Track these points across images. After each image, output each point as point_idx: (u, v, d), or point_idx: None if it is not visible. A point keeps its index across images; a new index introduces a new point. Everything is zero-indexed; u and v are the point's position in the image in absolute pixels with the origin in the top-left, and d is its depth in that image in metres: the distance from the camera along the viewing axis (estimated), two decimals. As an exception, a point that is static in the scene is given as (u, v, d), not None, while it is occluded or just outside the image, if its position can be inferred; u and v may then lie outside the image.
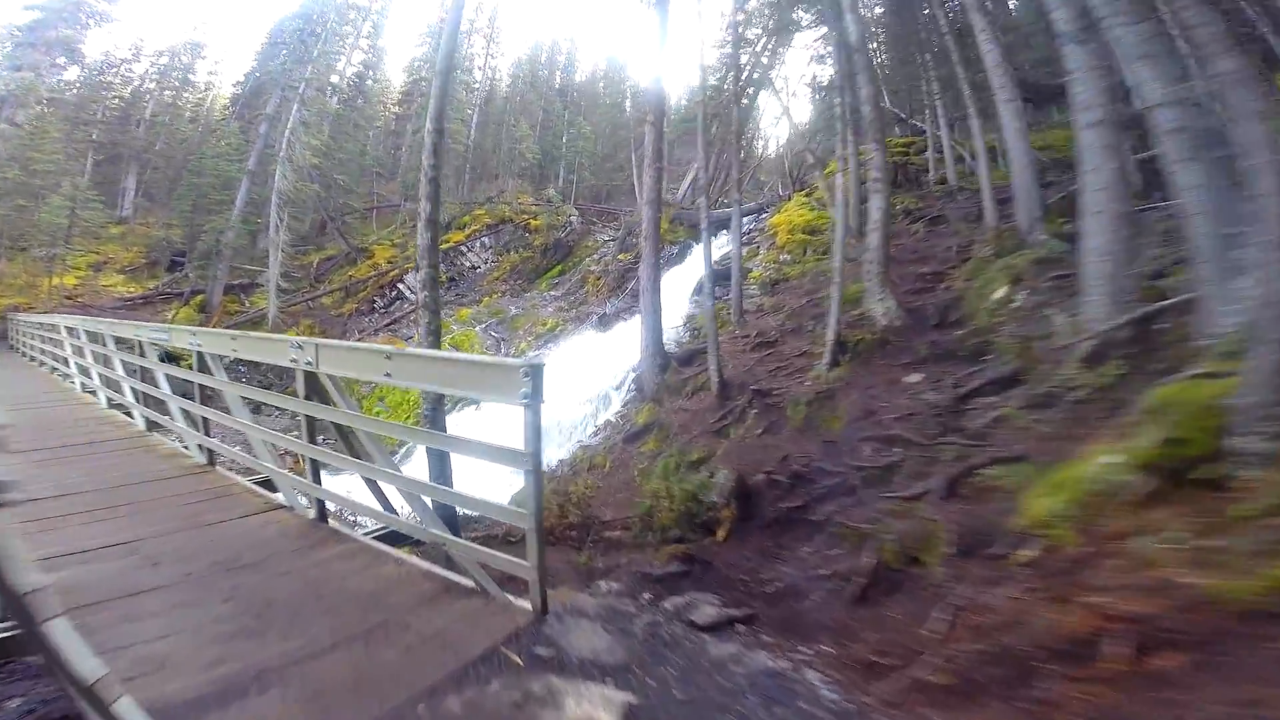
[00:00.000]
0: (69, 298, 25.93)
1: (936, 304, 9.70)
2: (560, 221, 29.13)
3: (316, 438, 4.50)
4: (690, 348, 12.97)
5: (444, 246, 28.96)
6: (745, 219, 23.08)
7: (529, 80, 37.00)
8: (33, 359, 16.18)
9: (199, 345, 5.49)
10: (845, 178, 12.75)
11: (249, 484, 5.29)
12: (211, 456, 5.86)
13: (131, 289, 28.21)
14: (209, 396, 5.72)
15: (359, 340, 25.75)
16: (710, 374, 10.39)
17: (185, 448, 6.26)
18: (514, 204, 29.74)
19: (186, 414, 6.11)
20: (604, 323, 21.05)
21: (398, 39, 59.06)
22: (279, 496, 4.89)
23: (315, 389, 4.18)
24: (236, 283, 26.69)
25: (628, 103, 40.42)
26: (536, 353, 21.92)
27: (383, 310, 27.85)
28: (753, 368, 10.56)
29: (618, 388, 16.71)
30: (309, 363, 4.09)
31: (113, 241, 31.17)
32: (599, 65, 44.83)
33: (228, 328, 24.97)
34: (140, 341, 7.00)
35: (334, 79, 30.63)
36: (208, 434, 5.87)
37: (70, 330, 10.87)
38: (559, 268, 29.28)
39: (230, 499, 4.92)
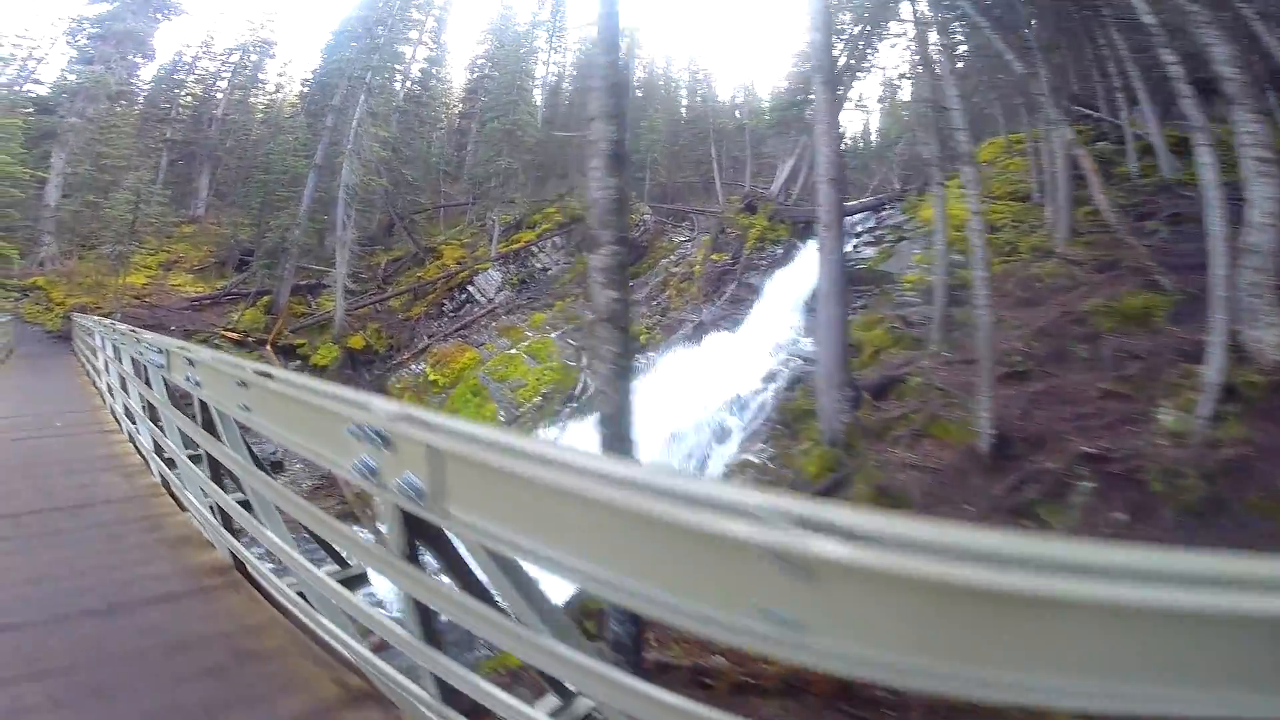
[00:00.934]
0: (137, 297, 23.86)
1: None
2: (633, 220, 25.84)
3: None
4: (881, 374, 9.45)
5: (513, 247, 26.15)
6: (857, 216, 19.53)
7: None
8: (81, 366, 13.59)
9: (200, 388, 2.96)
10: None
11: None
12: (239, 562, 2.70)
13: (199, 289, 26.10)
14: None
15: (430, 345, 23.01)
16: (981, 421, 6.87)
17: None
18: (585, 202, 26.60)
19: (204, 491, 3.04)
20: (698, 332, 17.67)
21: (460, 38, 56.49)
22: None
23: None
24: (304, 283, 24.25)
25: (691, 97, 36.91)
26: (624, 363, 18.59)
27: (452, 314, 25.07)
28: (1024, 411, 7.00)
29: (738, 411, 13.37)
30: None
31: (184, 240, 29.32)
32: (669, 57, 41.18)
33: (293, 331, 22.42)
34: (142, 363, 3.97)
35: (400, 70, 27.94)
36: (233, 532, 2.70)
37: (103, 334, 7.95)
38: (633, 269, 26.03)
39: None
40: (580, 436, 15.55)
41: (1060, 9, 11.29)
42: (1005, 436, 6.72)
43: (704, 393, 14.19)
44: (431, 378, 21.97)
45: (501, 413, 18.56)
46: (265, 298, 23.36)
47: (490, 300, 25.61)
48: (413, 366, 22.99)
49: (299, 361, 21.15)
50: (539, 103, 33.17)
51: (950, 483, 6.76)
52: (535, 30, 35.55)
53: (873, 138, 32.63)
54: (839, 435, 8.47)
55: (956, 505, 6.41)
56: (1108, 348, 7.27)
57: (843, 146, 15.27)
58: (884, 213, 18.64)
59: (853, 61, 18.01)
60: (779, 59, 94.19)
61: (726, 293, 18.10)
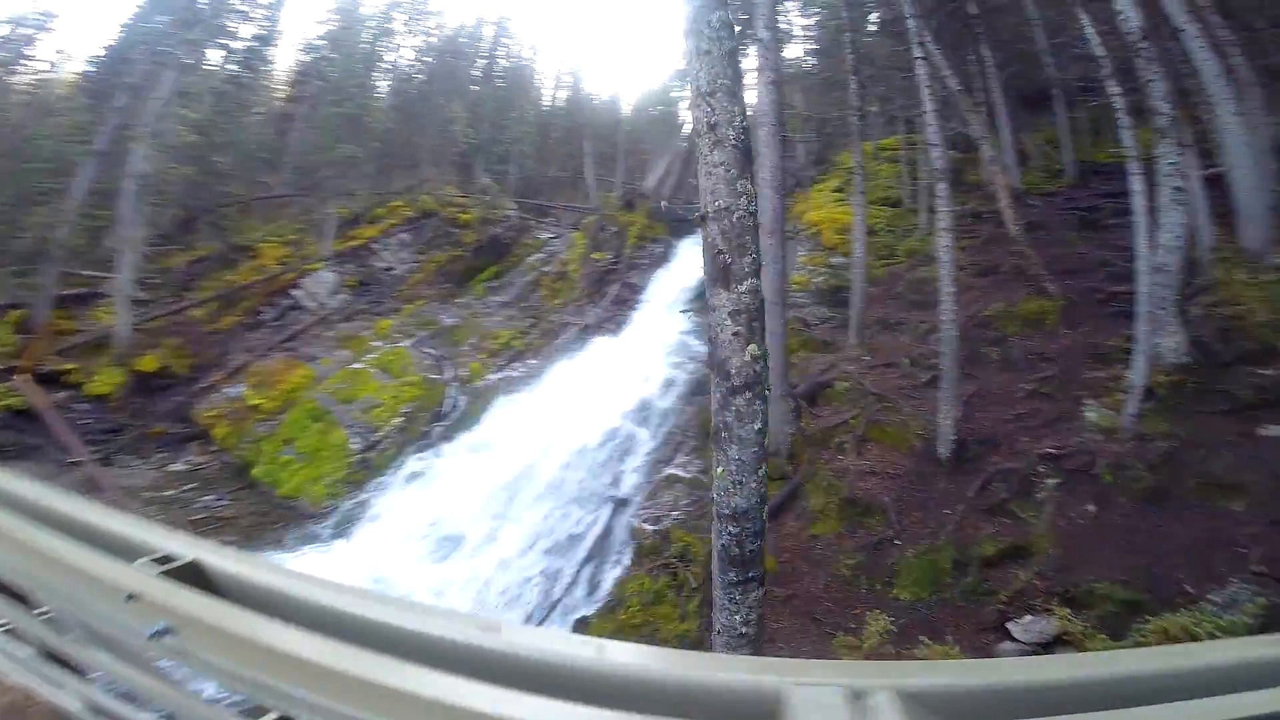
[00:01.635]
0: None
1: (1207, 337, 7.00)
2: (496, 216, 24.38)
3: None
4: (811, 381, 9.46)
5: (351, 244, 23.29)
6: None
7: (459, 59, 31.24)
8: None
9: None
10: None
11: None
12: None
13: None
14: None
15: (249, 362, 19.62)
16: (943, 427, 6.99)
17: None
18: (439, 195, 24.50)
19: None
20: (583, 336, 16.98)
21: (297, 16, 49.66)
22: None
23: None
24: (72, 293, 19.31)
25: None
26: (497, 376, 17.35)
27: (274, 323, 21.67)
28: (965, 414, 7.31)
29: (642, 421, 12.94)
30: None
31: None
32: (536, 47, 39.21)
33: (59, 353, 17.88)
34: None
35: (223, 45, 23.79)
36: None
37: None
38: (494, 268, 24.50)
39: None
40: (456, 463, 14.17)
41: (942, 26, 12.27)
42: (962, 439, 7.01)
43: (603, 401, 13.58)
44: (254, 402, 18.67)
45: (355, 440, 16.26)
46: (16, 312, 18.29)
47: (323, 306, 22.55)
48: (227, 389, 19.36)
49: (70, 391, 16.82)
50: (387, 89, 29.99)
51: (916, 487, 6.90)
52: (391, 13, 32.01)
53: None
54: (782, 445, 8.33)
55: (932, 510, 6.53)
56: (1017, 350, 7.89)
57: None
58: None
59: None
60: (659, 55, 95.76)
61: (610, 293, 17.56)
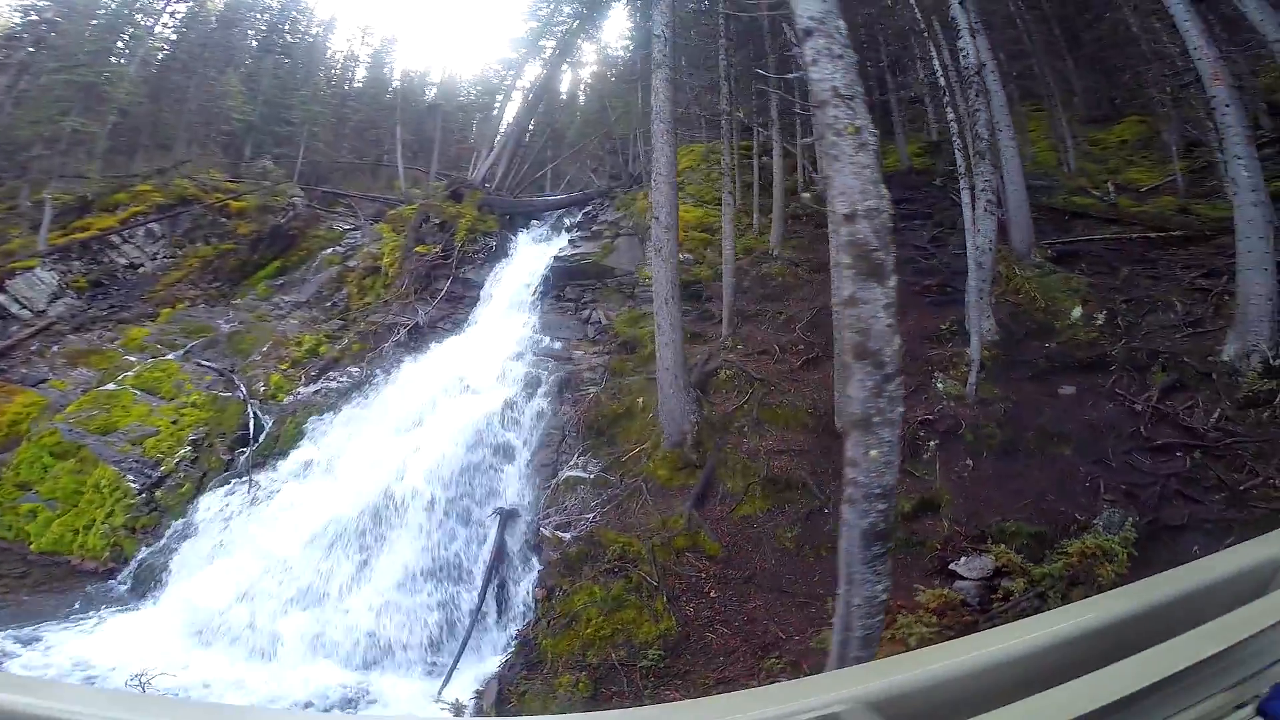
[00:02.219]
0: None
1: (1004, 320, 9.09)
2: (279, 204, 21.23)
3: None
4: (703, 370, 10.08)
5: (79, 236, 18.60)
6: (562, 212, 20.04)
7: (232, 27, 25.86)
8: None
9: None
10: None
11: None
12: None
13: None
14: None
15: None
16: (838, 400, 7.97)
17: None
18: (200, 180, 20.54)
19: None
20: (417, 337, 15.79)
21: None
22: None
23: None
24: None
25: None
26: (310, 389, 15.39)
27: (-37, 338, 16.53)
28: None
29: (513, 425, 12.53)
30: None
31: None
32: (332, 18, 33.73)
33: None
34: None
35: None
36: None
37: None
38: (277, 264, 21.37)
39: None
40: (286, 494, 12.26)
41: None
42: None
43: (460, 407, 12.83)
44: (-43, 442, 14.23)
45: (131, 478, 13.23)
46: None
47: (40, 313, 17.74)
48: (-97, 428, 14.40)
49: None
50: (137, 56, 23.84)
51: (824, 459, 7.89)
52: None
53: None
54: (688, 434, 8.84)
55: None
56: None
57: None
58: (588, 208, 19.55)
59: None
60: (484, 37, 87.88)
61: (441, 290, 16.48)
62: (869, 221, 3.09)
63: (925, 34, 9.48)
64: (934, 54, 9.40)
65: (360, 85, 31.55)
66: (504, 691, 7.00)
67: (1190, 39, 8.57)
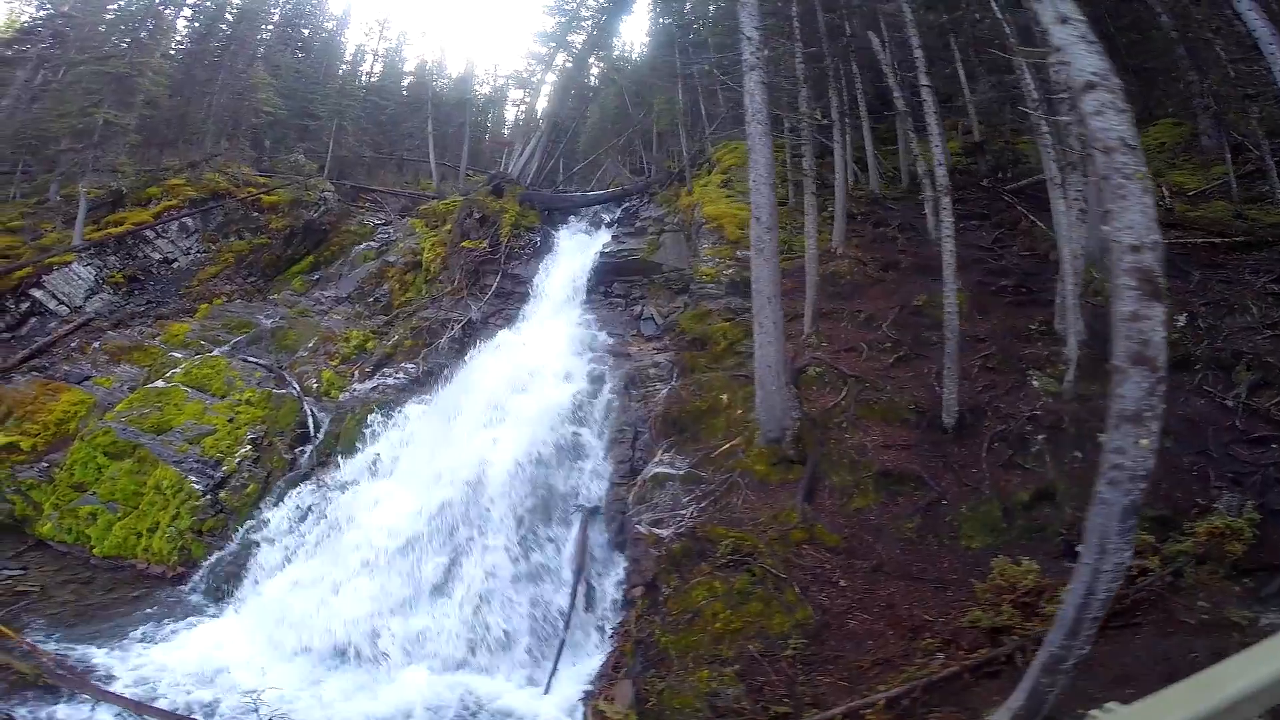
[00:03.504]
0: None
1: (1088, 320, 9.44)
2: (311, 199, 21.26)
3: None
4: (793, 368, 10.37)
5: (117, 230, 18.57)
6: (599, 207, 20.24)
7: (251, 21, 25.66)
8: None
9: None
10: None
11: None
12: None
13: None
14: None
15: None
16: (949, 400, 8.35)
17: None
18: (231, 174, 20.52)
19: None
20: (471, 333, 15.96)
21: None
22: None
23: None
24: None
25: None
26: (367, 386, 15.53)
27: (6, 334, 16.53)
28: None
29: (581, 422, 12.70)
30: None
31: None
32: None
33: None
34: None
35: None
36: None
37: None
38: (310, 259, 21.44)
39: None
40: (357, 493, 12.21)
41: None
42: (961, 409, 8.57)
43: (529, 403, 12.98)
44: (5, 440, 14.19)
45: (194, 480, 13.18)
46: None
47: (78, 309, 17.72)
48: (-50, 428, 14.37)
49: None
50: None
51: (933, 454, 8.26)
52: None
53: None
54: (788, 431, 9.17)
55: (959, 472, 7.91)
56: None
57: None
58: (627, 204, 19.80)
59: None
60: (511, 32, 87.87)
61: (491, 285, 16.66)
62: (1152, 253, 3.45)
63: (1018, 48, 9.85)
64: (1024, 67, 9.76)
65: (376, 80, 31.52)
66: (640, 692, 7.05)
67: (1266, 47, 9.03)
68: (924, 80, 9.06)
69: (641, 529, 9.63)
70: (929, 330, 10.40)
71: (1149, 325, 3.50)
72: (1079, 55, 3.62)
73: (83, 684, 8.44)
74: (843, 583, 7.17)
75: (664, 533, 9.36)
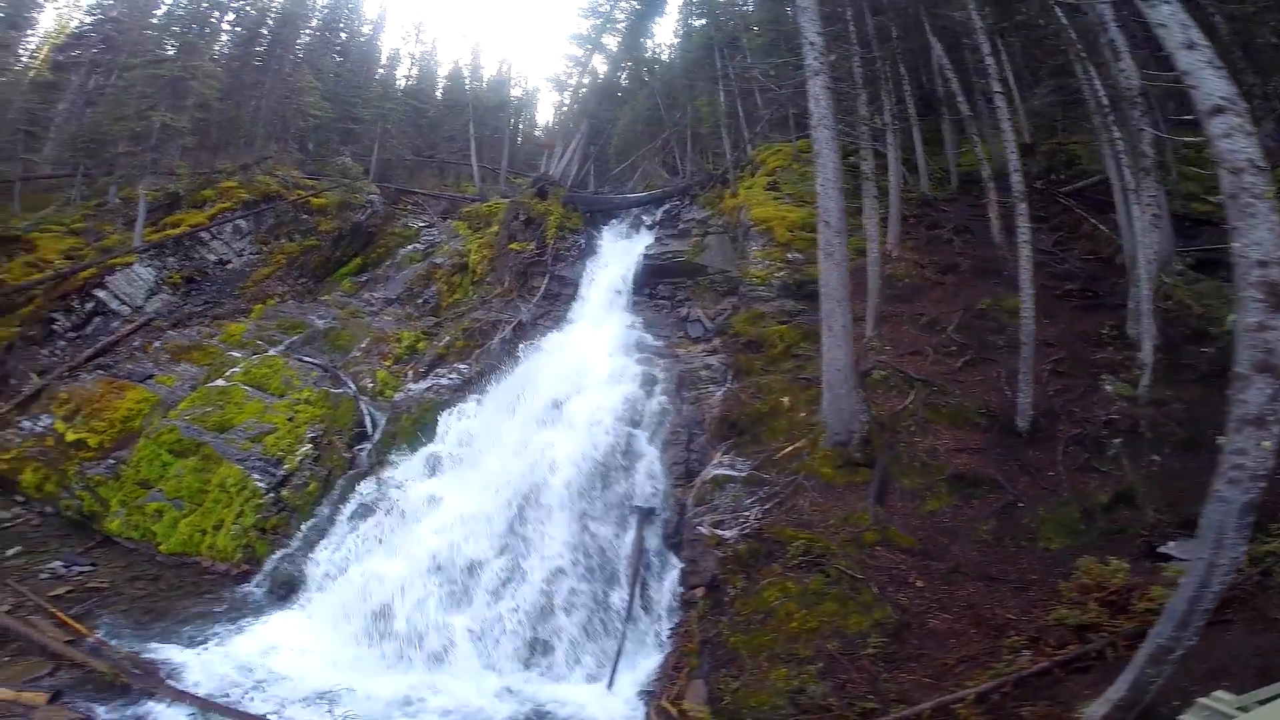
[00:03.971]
0: None
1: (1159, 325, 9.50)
2: (359, 201, 21.88)
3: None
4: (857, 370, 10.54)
5: (174, 232, 19.30)
6: (638, 209, 20.55)
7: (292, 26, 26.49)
8: None
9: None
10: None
11: None
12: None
13: None
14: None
15: (49, 385, 15.40)
16: (1022, 404, 8.50)
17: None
18: (281, 176, 21.21)
19: None
20: (520, 334, 16.33)
21: None
22: None
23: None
24: None
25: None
26: (422, 386, 15.91)
27: (72, 335, 17.28)
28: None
29: (634, 423, 12.91)
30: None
31: None
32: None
33: None
34: None
35: None
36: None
37: None
38: (358, 260, 22.07)
39: None
40: (416, 492, 12.42)
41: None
42: (1036, 413, 8.72)
43: (583, 404, 13.26)
44: (74, 437, 14.80)
45: (257, 478, 13.63)
46: None
47: (139, 309, 18.45)
48: (24, 423, 15.10)
49: None
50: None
51: (1007, 458, 8.42)
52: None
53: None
54: (856, 434, 9.36)
55: (1034, 475, 8.08)
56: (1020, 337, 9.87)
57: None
58: (667, 206, 20.08)
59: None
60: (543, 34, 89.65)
61: (539, 287, 17.06)
62: (1278, 268, 3.65)
63: (1084, 55, 9.93)
64: (1092, 73, 9.82)
65: (413, 83, 32.24)
66: (714, 690, 7.26)
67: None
68: (997, 87, 9.16)
69: (703, 530, 9.83)
70: (994, 334, 10.53)
71: (1274, 335, 3.69)
72: (1206, 80, 3.83)
73: (159, 685, 8.69)
74: (920, 583, 7.35)
75: (727, 534, 9.59)
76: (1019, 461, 8.32)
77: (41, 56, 26.02)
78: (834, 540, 8.09)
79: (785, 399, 11.00)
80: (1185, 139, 16.69)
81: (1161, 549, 6.65)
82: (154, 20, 26.75)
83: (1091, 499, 7.58)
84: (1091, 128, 10.83)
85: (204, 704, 8.39)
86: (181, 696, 8.47)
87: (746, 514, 9.73)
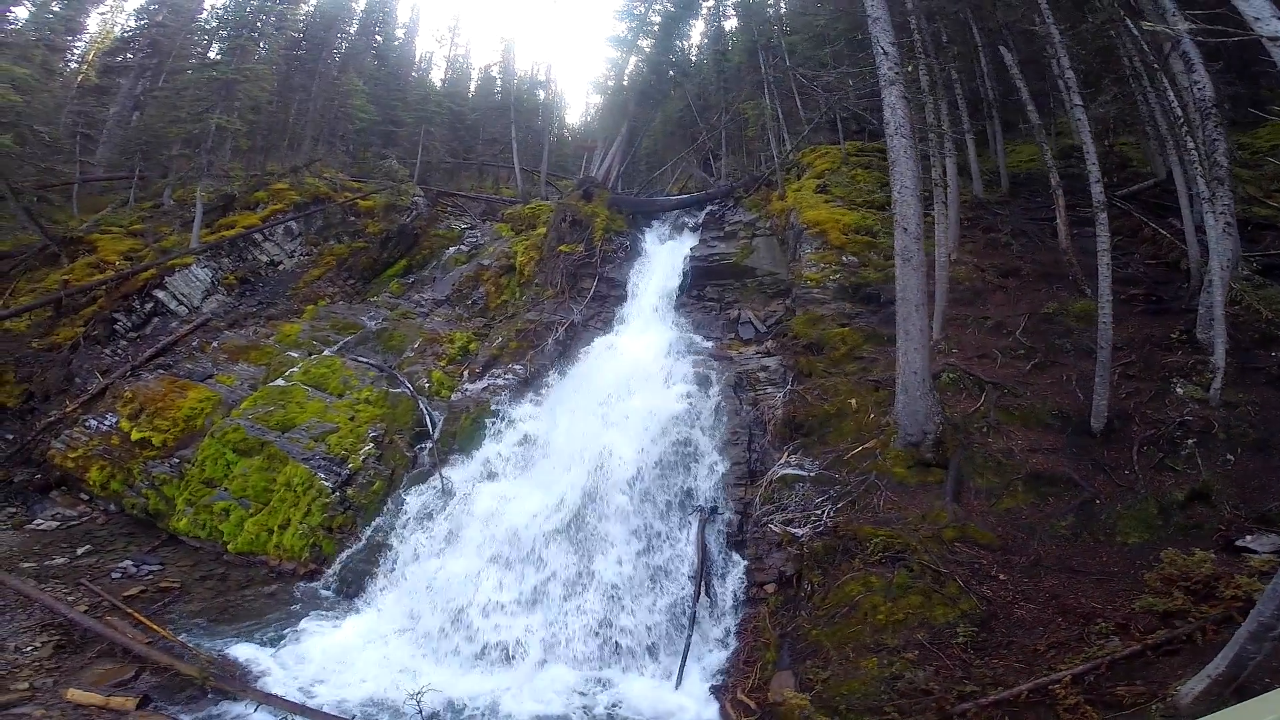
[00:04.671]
0: None
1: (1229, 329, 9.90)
2: (405, 203, 22.65)
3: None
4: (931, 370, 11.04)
5: (229, 233, 20.14)
6: (679, 211, 21.10)
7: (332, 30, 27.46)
8: None
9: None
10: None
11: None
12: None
13: None
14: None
15: (113, 384, 16.21)
16: (1099, 406, 9.00)
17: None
18: (330, 178, 22.03)
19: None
20: (573, 336, 16.94)
21: None
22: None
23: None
24: None
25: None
26: (478, 386, 16.48)
27: (132, 334, 18.13)
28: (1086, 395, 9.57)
29: (692, 423, 13.40)
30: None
31: None
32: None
33: None
34: None
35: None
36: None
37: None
38: (404, 262, 22.84)
39: None
40: (481, 491, 12.77)
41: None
42: (1110, 415, 9.21)
43: (639, 405, 13.76)
44: (138, 435, 15.59)
45: (323, 477, 14.24)
46: None
47: (196, 310, 19.30)
48: (90, 421, 15.94)
49: None
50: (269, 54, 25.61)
51: (1083, 457, 8.91)
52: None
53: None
54: (929, 435, 9.88)
55: (1110, 474, 8.55)
56: (1089, 342, 10.34)
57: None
58: (710, 208, 20.63)
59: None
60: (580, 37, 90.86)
61: (589, 289, 17.68)
62: None
63: (1156, 68, 10.38)
64: (1164, 83, 10.27)
65: (448, 85, 33.03)
66: (802, 681, 7.70)
67: None
68: (1077, 100, 9.62)
69: (774, 528, 10.32)
70: (1060, 338, 10.98)
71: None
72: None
73: (245, 688, 8.83)
74: (1002, 576, 7.84)
75: (799, 531, 10.09)
76: (1094, 461, 8.78)
77: (89, 60, 27.14)
78: (914, 537, 8.55)
79: (853, 400, 11.49)
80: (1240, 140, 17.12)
81: (1239, 542, 7.12)
82: (198, 24, 27.83)
83: (1168, 496, 8.04)
84: (1146, 132, 11.18)
85: (291, 707, 8.60)
86: (269, 700, 8.63)
87: (818, 512, 10.21)
